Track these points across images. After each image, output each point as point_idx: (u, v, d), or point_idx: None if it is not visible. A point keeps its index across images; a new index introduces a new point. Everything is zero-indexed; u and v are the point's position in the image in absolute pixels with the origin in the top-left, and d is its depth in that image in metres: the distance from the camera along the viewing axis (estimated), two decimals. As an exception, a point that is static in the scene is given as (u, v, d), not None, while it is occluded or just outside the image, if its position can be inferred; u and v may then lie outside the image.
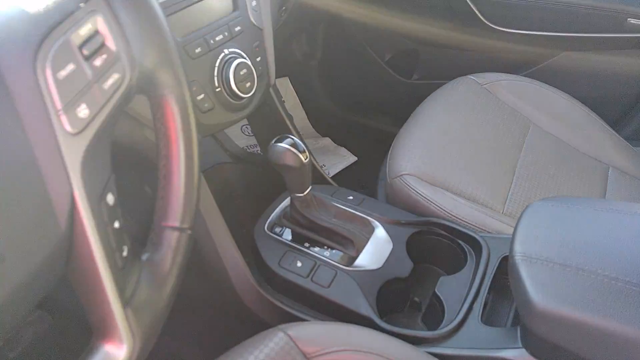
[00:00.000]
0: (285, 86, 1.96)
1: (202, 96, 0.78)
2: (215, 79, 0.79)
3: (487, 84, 1.30)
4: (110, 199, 0.44)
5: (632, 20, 1.27)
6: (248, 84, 0.82)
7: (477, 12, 1.41)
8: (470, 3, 1.41)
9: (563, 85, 1.32)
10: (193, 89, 0.76)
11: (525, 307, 0.63)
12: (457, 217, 0.96)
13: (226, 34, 0.81)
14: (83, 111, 0.40)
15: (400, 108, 1.43)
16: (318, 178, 1.10)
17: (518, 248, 0.66)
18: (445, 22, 1.51)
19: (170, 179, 0.50)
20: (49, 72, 0.37)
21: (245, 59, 0.82)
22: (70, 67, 0.39)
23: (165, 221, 0.50)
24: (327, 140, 1.90)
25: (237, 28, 0.83)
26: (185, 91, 0.51)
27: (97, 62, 0.42)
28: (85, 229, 0.40)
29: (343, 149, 1.85)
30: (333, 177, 1.74)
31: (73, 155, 0.39)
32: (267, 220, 0.94)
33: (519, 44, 1.44)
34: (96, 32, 0.42)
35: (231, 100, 0.82)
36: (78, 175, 0.39)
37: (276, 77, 1.93)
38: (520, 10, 1.36)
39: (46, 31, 0.38)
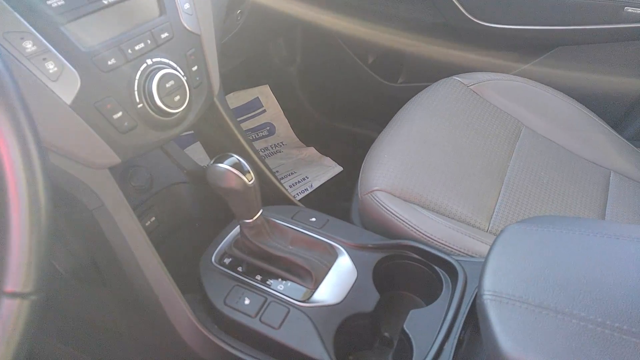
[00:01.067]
0: (266, 94, 1.86)
1: (119, 114, 0.66)
2: (136, 93, 0.68)
3: (474, 85, 1.18)
4: None
5: (630, 9, 1.14)
6: (177, 98, 0.71)
7: (460, 6, 1.30)
8: (453, -1, 1.29)
9: (557, 83, 1.21)
10: (107, 106, 0.65)
11: (495, 356, 0.51)
12: (432, 238, 0.84)
13: (149, 41, 0.69)
14: None
15: (387, 113, 1.32)
16: (279, 198, 0.99)
17: (487, 284, 0.54)
18: (429, 20, 1.39)
19: (6, 231, 0.39)
20: None
21: (173, 69, 0.71)
22: None
23: (1, 285, 0.39)
24: (312, 150, 1.79)
25: (164, 35, 0.71)
26: (21, 115, 0.39)
27: None
28: None
29: (328, 158, 1.74)
30: (316, 189, 1.63)
31: None
32: (215, 250, 0.83)
33: (507, 40, 1.31)
34: None
35: (158, 117, 0.70)
36: None
37: (256, 85, 1.86)
38: (506, 4, 1.24)
39: None
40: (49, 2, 0.59)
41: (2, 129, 0.38)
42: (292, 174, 1.68)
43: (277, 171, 1.67)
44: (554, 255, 0.54)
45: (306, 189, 1.62)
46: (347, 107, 1.79)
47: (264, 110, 1.85)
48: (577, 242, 0.55)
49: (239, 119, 1.77)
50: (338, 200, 1.52)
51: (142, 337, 0.86)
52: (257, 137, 1.81)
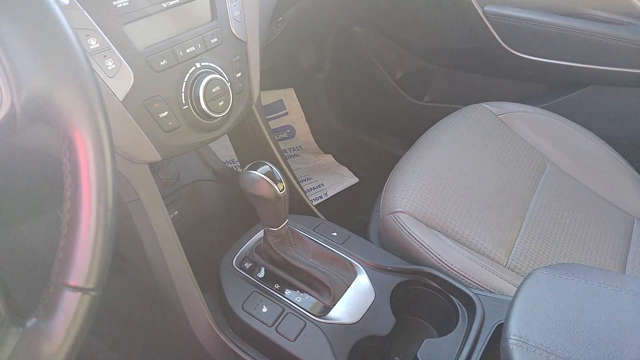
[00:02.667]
0: (290, 97, 1.87)
1: (165, 113, 0.68)
2: (183, 95, 0.69)
3: (502, 114, 1.18)
4: None
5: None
6: (221, 103, 0.72)
7: (496, 35, 1.30)
8: (490, 26, 1.29)
9: (586, 121, 1.20)
10: (155, 105, 0.66)
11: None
12: (452, 268, 0.85)
13: (199, 45, 0.71)
14: None
15: (409, 130, 1.33)
16: (302, 207, 1.00)
17: (514, 328, 0.55)
18: (463, 44, 1.40)
19: (75, 226, 0.40)
20: None
21: (220, 74, 0.72)
22: None
23: (65, 278, 0.40)
24: (329, 158, 1.79)
25: (214, 40, 0.73)
26: (99, 117, 0.40)
27: None
28: None
29: (345, 168, 1.75)
30: (331, 198, 1.64)
31: None
32: (236, 254, 0.84)
33: (540, 72, 1.32)
34: None
35: (201, 119, 0.72)
36: None
37: (281, 88, 1.87)
38: (544, 38, 1.24)
39: None
40: (115, 3, 0.61)
41: (82, 132, 0.39)
42: (308, 179, 1.69)
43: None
44: (583, 309, 0.55)
45: (321, 197, 1.63)
46: (369, 119, 1.79)
47: (287, 113, 1.86)
48: (608, 297, 0.56)
49: (261, 118, 1.78)
50: (352, 212, 1.53)
51: (155, 329, 0.87)
52: (277, 138, 1.82)
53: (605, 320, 0.53)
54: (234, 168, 1.57)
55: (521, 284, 0.60)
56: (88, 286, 0.40)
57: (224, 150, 1.55)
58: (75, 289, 0.40)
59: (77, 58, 0.39)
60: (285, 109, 1.86)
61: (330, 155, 1.80)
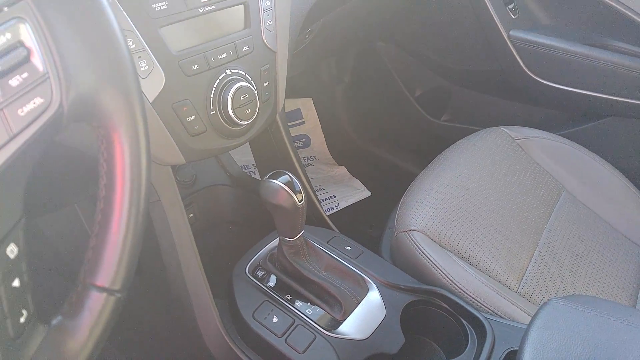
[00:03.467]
0: (308, 107, 1.88)
1: (192, 117, 0.69)
2: (211, 101, 0.70)
3: (520, 139, 1.19)
4: (11, 250, 0.34)
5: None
6: (248, 111, 0.73)
7: (520, 60, 1.30)
8: (514, 51, 1.29)
9: (604, 152, 1.20)
10: (183, 109, 0.67)
11: None
12: (463, 290, 0.85)
13: (231, 52, 0.71)
14: None
15: (425, 148, 1.33)
16: (316, 217, 1.00)
17: (528, 357, 0.55)
18: (485, 66, 1.40)
19: (107, 227, 0.40)
20: None
21: (248, 82, 0.73)
22: None
23: (92, 278, 0.40)
24: (343, 169, 1.80)
25: (245, 48, 0.73)
26: (139, 121, 0.41)
27: (14, 81, 0.33)
28: None
29: (357, 181, 1.75)
30: (341, 210, 1.64)
31: None
32: (249, 261, 0.84)
33: (561, 100, 1.32)
34: (19, 44, 0.33)
35: (227, 126, 0.72)
36: None
37: (300, 97, 1.88)
38: (567, 66, 1.25)
39: None
40: (153, 5, 0.62)
41: (121, 135, 0.40)
42: (320, 189, 1.69)
43: (309, 183, 1.68)
44: (598, 343, 0.55)
45: (332, 208, 1.63)
46: (385, 134, 1.80)
47: (303, 122, 1.87)
48: (624, 333, 0.56)
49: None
50: (363, 226, 1.53)
51: (164, 331, 0.87)
52: (292, 146, 1.83)
53: (620, 355, 0.53)
54: (249, 174, 1.58)
55: (537, 313, 0.60)
56: (114, 287, 0.41)
57: (239, 155, 1.56)
58: (102, 289, 0.40)
59: (125, 62, 0.40)
60: (302, 118, 1.87)
61: (344, 167, 1.80)
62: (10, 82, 0.33)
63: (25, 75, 0.33)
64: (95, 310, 0.40)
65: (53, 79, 0.36)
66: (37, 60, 0.35)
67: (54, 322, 0.40)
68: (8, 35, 0.33)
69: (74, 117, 0.38)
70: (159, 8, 0.62)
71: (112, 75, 0.39)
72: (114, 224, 0.41)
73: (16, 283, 0.35)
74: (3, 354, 0.34)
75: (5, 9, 0.33)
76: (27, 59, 0.34)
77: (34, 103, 0.34)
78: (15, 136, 0.33)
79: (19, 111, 0.33)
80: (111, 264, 0.41)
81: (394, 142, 1.78)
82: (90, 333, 0.39)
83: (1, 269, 0.33)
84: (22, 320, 0.36)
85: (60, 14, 0.36)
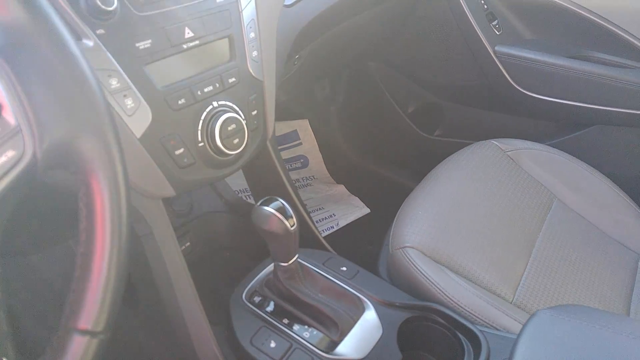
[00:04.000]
0: (304, 128, 1.91)
1: (181, 150, 0.70)
2: (199, 133, 0.72)
3: (511, 151, 1.20)
4: None
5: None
6: (236, 140, 0.75)
7: (506, 74, 1.33)
8: (500, 65, 1.32)
9: (592, 159, 1.22)
10: (171, 142, 0.69)
11: None
12: (458, 304, 0.86)
13: (217, 85, 0.74)
14: None
15: (420, 163, 1.35)
16: (311, 239, 1.02)
17: (516, 369, 0.56)
18: (473, 81, 1.43)
19: (88, 270, 0.41)
20: None
21: (236, 113, 0.75)
22: None
23: (74, 322, 0.41)
24: (341, 188, 1.82)
25: (232, 79, 0.76)
26: (117, 164, 0.42)
27: None
28: None
29: (356, 198, 1.77)
30: (341, 228, 1.65)
31: None
32: (246, 287, 0.86)
33: (548, 111, 1.34)
34: None
35: (216, 156, 0.74)
36: None
37: (296, 119, 1.91)
38: (552, 78, 1.27)
39: None
40: (137, 44, 0.64)
41: (100, 180, 0.41)
42: (319, 209, 1.71)
43: (306, 204, 1.70)
44: (585, 351, 0.56)
45: (332, 227, 1.65)
46: (381, 151, 1.82)
47: (300, 143, 1.89)
48: (610, 340, 0.57)
49: (274, 149, 1.81)
50: (362, 242, 1.54)
51: (160, 358, 0.88)
52: (290, 168, 1.85)
53: (607, 364, 0.54)
54: (246, 197, 1.60)
55: (525, 325, 0.61)
56: (97, 329, 0.41)
57: (235, 179, 1.57)
58: (85, 332, 0.41)
59: (99, 109, 0.41)
60: (300, 139, 1.89)
61: (343, 186, 1.82)
62: None
63: None
64: (77, 354, 0.40)
65: (25, 132, 0.37)
66: (8, 115, 0.36)
67: None
68: None
69: (49, 165, 0.39)
70: (142, 47, 0.64)
71: (86, 121, 0.40)
72: (95, 267, 0.41)
73: None
74: None
75: None
76: None
77: (6, 156, 0.35)
78: None
79: None
80: (93, 306, 0.41)
81: (389, 158, 1.80)
82: None
83: None
84: None
85: (31, 67, 0.37)
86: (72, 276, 0.42)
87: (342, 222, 1.68)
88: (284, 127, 1.89)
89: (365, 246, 1.52)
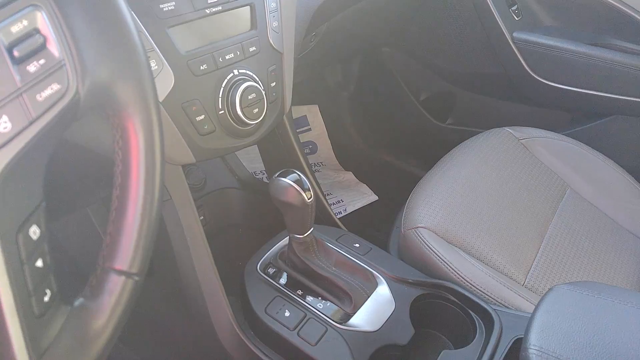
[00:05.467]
0: (314, 113, 1.90)
1: (202, 117, 0.71)
2: (220, 100, 0.72)
3: (525, 139, 1.20)
4: (34, 231, 0.36)
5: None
6: (256, 110, 0.75)
7: (523, 62, 1.32)
8: (517, 53, 1.31)
9: (608, 150, 1.21)
10: (193, 108, 0.69)
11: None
12: (471, 284, 0.86)
13: (238, 53, 0.74)
14: (4, 124, 0.33)
15: (430, 152, 1.35)
16: (325, 218, 1.02)
17: (534, 339, 0.56)
18: (489, 69, 1.42)
19: (123, 213, 0.42)
20: None
21: (256, 82, 0.75)
22: None
23: (111, 262, 0.42)
24: (349, 175, 1.82)
25: (252, 48, 0.76)
26: (153, 111, 0.43)
27: (32, 67, 0.35)
28: None
29: (364, 186, 1.77)
30: (349, 214, 1.65)
31: None
32: (260, 259, 0.86)
33: (565, 100, 1.33)
34: (35, 31, 0.35)
35: (235, 125, 0.74)
36: None
37: (306, 104, 1.90)
38: (570, 66, 1.26)
39: None
40: (161, 6, 0.64)
41: (136, 122, 0.41)
42: (328, 194, 1.71)
43: (316, 187, 1.70)
44: (603, 325, 0.56)
45: (340, 212, 1.65)
46: (391, 138, 1.81)
47: (310, 129, 1.89)
48: (628, 315, 0.57)
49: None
50: (370, 229, 1.54)
51: (177, 329, 0.89)
52: (299, 153, 1.85)
53: (625, 336, 0.54)
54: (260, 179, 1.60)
55: (542, 298, 0.61)
56: (132, 271, 0.42)
57: (247, 162, 1.58)
58: (121, 272, 0.42)
59: (138, 53, 0.42)
60: (309, 124, 1.89)
61: (351, 172, 1.82)
62: (28, 68, 0.34)
63: (42, 61, 0.35)
64: (115, 292, 0.42)
65: (69, 66, 0.37)
66: (53, 47, 0.36)
67: (76, 303, 0.41)
68: (25, 22, 0.34)
69: (90, 104, 0.40)
70: (166, 8, 0.64)
71: (126, 65, 0.41)
72: (130, 210, 0.42)
73: (39, 263, 0.37)
74: (29, 331, 0.35)
75: None
76: (43, 46, 0.36)
77: (52, 89, 0.36)
78: (34, 121, 0.35)
79: (38, 96, 0.35)
80: (128, 248, 0.42)
81: (400, 146, 1.79)
82: (111, 313, 0.41)
83: (25, 249, 0.35)
84: (46, 299, 0.37)
85: (75, 4, 0.38)
86: (108, 220, 0.42)
87: (350, 208, 1.67)
88: (294, 112, 1.88)
89: (372, 232, 1.53)
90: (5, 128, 0.33)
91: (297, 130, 1.85)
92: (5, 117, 0.33)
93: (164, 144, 0.44)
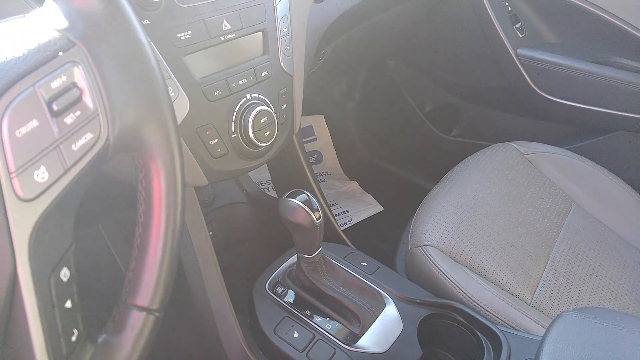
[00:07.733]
0: (319, 123, 1.91)
1: (215, 141, 0.72)
2: (233, 124, 0.73)
3: (530, 154, 1.21)
4: (65, 274, 0.37)
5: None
6: (267, 133, 0.76)
7: (527, 77, 1.33)
8: (521, 68, 1.32)
9: (613, 165, 1.22)
10: (206, 132, 0.70)
11: None
12: (478, 304, 0.87)
13: (251, 78, 0.75)
14: (42, 174, 0.34)
15: (435, 163, 1.36)
16: (331, 232, 1.03)
17: (543, 368, 0.57)
18: (493, 83, 1.43)
19: (145, 250, 0.43)
20: (4, 128, 0.32)
21: (268, 106, 0.76)
22: (33, 123, 0.33)
23: (133, 299, 0.43)
24: (355, 185, 1.83)
25: (264, 73, 0.77)
26: (175, 152, 0.44)
27: (68, 119, 0.36)
28: (25, 311, 0.34)
29: (370, 196, 1.78)
30: (355, 225, 1.66)
31: (22, 224, 0.33)
32: (269, 278, 0.87)
33: (569, 116, 1.34)
34: (72, 85, 0.37)
35: (247, 148, 0.75)
36: (24, 247, 0.33)
37: (312, 114, 1.92)
38: (574, 82, 1.27)
39: (10, 81, 0.33)
40: (178, 35, 0.65)
41: (159, 164, 0.43)
42: (333, 205, 1.72)
43: (322, 200, 1.71)
44: (611, 354, 0.57)
45: (345, 223, 1.66)
46: (396, 149, 1.83)
47: (315, 139, 1.90)
48: (637, 344, 0.58)
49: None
50: (375, 240, 1.55)
51: (187, 347, 0.90)
52: (304, 163, 1.87)
53: (634, 366, 0.55)
54: (263, 190, 1.61)
55: (550, 325, 0.62)
56: (153, 307, 0.44)
57: (254, 173, 1.59)
58: (142, 309, 0.43)
59: (163, 97, 0.43)
60: (315, 134, 1.90)
61: (356, 183, 1.83)
62: (65, 120, 0.36)
63: (78, 113, 0.37)
64: (136, 327, 0.43)
65: (102, 116, 0.39)
66: (88, 99, 0.38)
67: (100, 339, 0.42)
68: (64, 78, 0.36)
69: (118, 148, 0.41)
70: (183, 37, 0.66)
71: (152, 109, 0.42)
72: (152, 248, 0.44)
73: (68, 304, 0.38)
74: None
75: (61, 53, 0.36)
76: (79, 99, 0.37)
77: (85, 138, 0.37)
78: (69, 169, 0.36)
79: (73, 146, 0.36)
80: (150, 285, 0.44)
81: (404, 157, 1.81)
82: (133, 348, 0.42)
83: (56, 292, 0.36)
84: (73, 339, 0.38)
85: (108, 55, 0.39)
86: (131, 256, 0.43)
87: (356, 219, 1.68)
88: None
89: (378, 244, 1.54)
90: (42, 178, 0.34)
91: (303, 140, 1.87)
92: (43, 168, 0.34)
93: (184, 183, 0.45)
